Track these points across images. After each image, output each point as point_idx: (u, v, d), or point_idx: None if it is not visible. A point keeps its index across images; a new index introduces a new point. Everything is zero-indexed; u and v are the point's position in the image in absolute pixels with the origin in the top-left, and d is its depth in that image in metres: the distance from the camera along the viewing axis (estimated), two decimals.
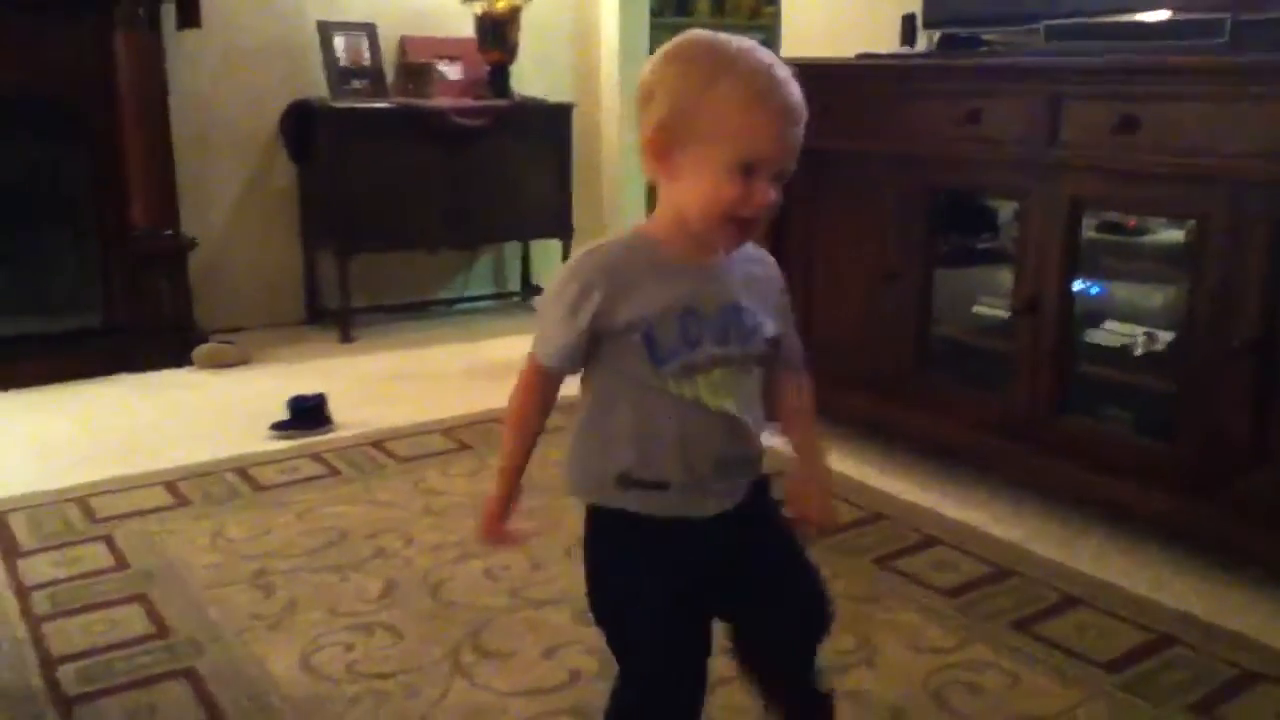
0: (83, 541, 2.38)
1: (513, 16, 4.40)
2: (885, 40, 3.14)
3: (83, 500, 2.60)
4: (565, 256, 4.62)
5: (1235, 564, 2.22)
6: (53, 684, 1.83)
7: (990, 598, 2.13)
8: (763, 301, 1.32)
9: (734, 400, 1.28)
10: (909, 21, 3.05)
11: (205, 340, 3.84)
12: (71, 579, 2.21)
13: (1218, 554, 2.25)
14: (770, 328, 1.32)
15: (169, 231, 3.77)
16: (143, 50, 3.62)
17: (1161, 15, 2.47)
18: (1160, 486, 2.27)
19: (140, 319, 3.75)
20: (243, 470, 2.80)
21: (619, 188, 5.04)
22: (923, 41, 3.09)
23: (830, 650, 1.91)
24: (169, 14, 3.75)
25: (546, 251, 4.80)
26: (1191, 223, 2.33)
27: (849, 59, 2.95)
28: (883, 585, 2.18)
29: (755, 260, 1.35)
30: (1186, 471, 2.22)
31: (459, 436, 3.06)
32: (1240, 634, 1.99)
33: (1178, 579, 2.22)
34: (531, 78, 4.66)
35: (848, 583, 2.19)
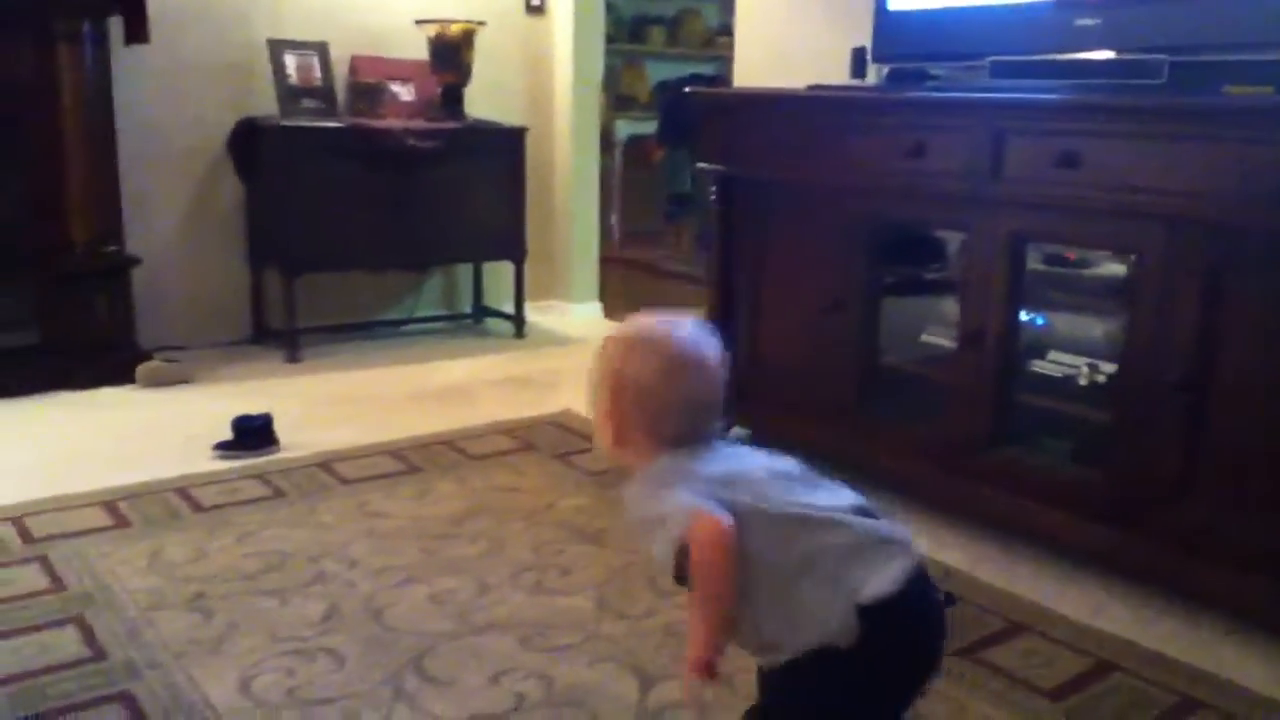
0: (17, 563, 2.33)
1: (466, 39, 4.41)
2: (836, 72, 3.18)
3: (18, 520, 2.54)
4: (518, 279, 4.61)
5: (1169, 592, 2.26)
6: None
7: None
8: None
9: None
10: (859, 54, 3.10)
11: (148, 358, 3.78)
12: (4, 601, 2.16)
13: (1153, 583, 2.29)
14: None
15: (112, 248, 3.72)
16: (87, 65, 3.57)
17: (1104, 55, 2.53)
18: (1091, 516, 2.31)
19: (80, 336, 3.68)
20: (184, 491, 2.75)
21: (570, 212, 5.05)
22: (872, 75, 3.14)
23: None
24: (116, 28, 3.71)
25: (498, 273, 4.79)
26: (1132, 257, 2.39)
27: (798, 90, 2.99)
28: None
29: None
30: (1117, 501, 2.26)
31: (407, 458, 3.03)
32: (1179, 661, 2.02)
33: (1116, 605, 2.25)
34: (484, 101, 4.66)
35: None
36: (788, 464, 1.40)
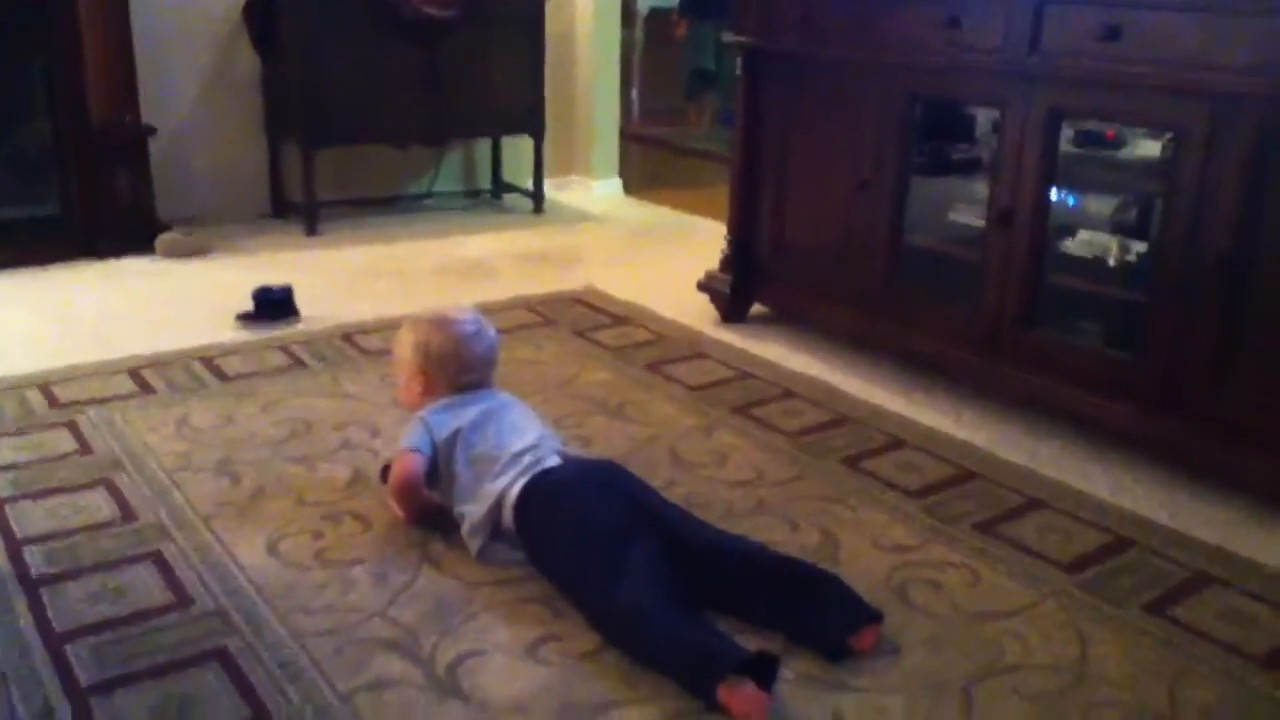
0: (45, 427, 2.36)
1: None
2: None
3: (45, 386, 2.56)
4: (537, 154, 4.55)
5: (1197, 475, 2.26)
6: (19, 565, 1.82)
7: (954, 499, 2.16)
8: None
9: None
10: None
11: (167, 230, 3.77)
12: (34, 463, 2.19)
13: (1180, 465, 2.28)
14: None
15: (127, 119, 3.67)
16: None
17: None
18: (1125, 398, 2.30)
19: (100, 207, 3.67)
20: (208, 360, 2.77)
21: (590, 86, 4.95)
22: None
23: (796, 547, 1.95)
24: None
25: (517, 148, 4.72)
26: (1169, 135, 2.33)
27: None
28: (849, 485, 2.21)
29: None
30: (1152, 384, 2.25)
31: None
32: (1198, 539, 2.03)
33: (1139, 485, 2.26)
34: None
35: (815, 481, 2.21)
36: (506, 414, 2.00)
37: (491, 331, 2.11)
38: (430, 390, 2.04)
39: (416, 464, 1.93)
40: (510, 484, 1.86)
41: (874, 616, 1.68)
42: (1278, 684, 1.62)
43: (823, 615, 1.66)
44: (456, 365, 2.03)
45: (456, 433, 1.94)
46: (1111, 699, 1.57)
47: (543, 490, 1.84)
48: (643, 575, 1.64)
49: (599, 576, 1.68)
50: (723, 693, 1.49)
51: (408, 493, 1.95)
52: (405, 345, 2.07)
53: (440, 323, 2.07)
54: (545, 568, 1.82)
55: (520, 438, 1.94)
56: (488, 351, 2.08)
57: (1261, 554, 1.99)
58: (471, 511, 1.88)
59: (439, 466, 1.94)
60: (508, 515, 1.85)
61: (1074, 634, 1.72)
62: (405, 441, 1.97)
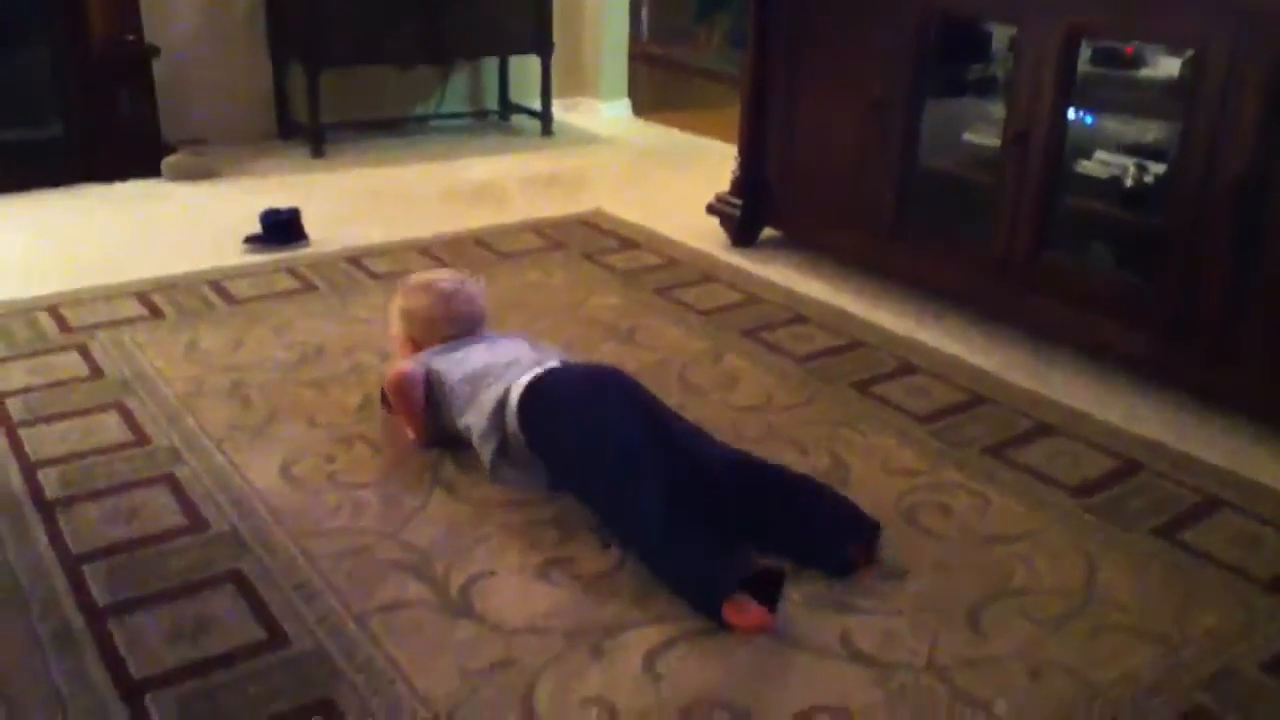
0: (56, 350, 2.36)
1: None
2: None
3: (54, 309, 2.56)
4: (544, 74, 4.48)
5: (1207, 401, 2.25)
6: (34, 488, 1.84)
7: (964, 424, 2.16)
8: None
9: None
10: None
11: (172, 152, 3.74)
12: (46, 386, 2.20)
13: (1191, 391, 2.27)
14: None
15: (130, 38, 3.62)
16: None
17: None
18: (1140, 325, 2.28)
19: (103, 129, 3.63)
20: (217, 283, 2.76)
21: (600, 6, 4.86)
22: None
23: (806, 471, 1.95)
24: None
25: (525, 69, 4.65)
26: (1190, 53, 2.28)
27: None
28: (859, 409, 2.21)
29: None
30: (1166, 309, 2.23)
31: (436, 254, 3.02)
32: (1207, 463, 2.03)
33: (1149, 410, 2.25)
34: None
35: (825, 406, 2.22)
36: (500, 341, 2.08)
37: (475, 290, 2.18)
38: (419, 348, 2.10)
39: (407, 367, 2.01)
40: (510, 385, 1.88)
41: (873, 526, 1.71)
42: None
43: (823, 526, 1.70)
44: (440, 323, 2.09)
45: (449, 360, 2.00)
46: (1118, 622, 1.59)
47: (548, 385, 1.87)
48: (659, 482, 1.66)
49: (619, 477, 1.70)
50: (728, 611, 1.52)
51: (403, 390, 1.98)
52: (393, 315, 2.17)
53: (420, 288, 2.15)
54: (554, 462, 1.84)
55: (516, 352, 2.00)
56: (468, 306, 2.14)
57: (1271, 478, 1.99)
58: (475, 421, 1.90)
59: (434, 391, 1.97)
60: (512, 417, 1.86)
61: (1081, 558, 1.73)
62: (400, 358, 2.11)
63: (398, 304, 2.15)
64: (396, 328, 2.16)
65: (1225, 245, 2.11)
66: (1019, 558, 1.73)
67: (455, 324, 2.10)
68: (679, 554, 1.61)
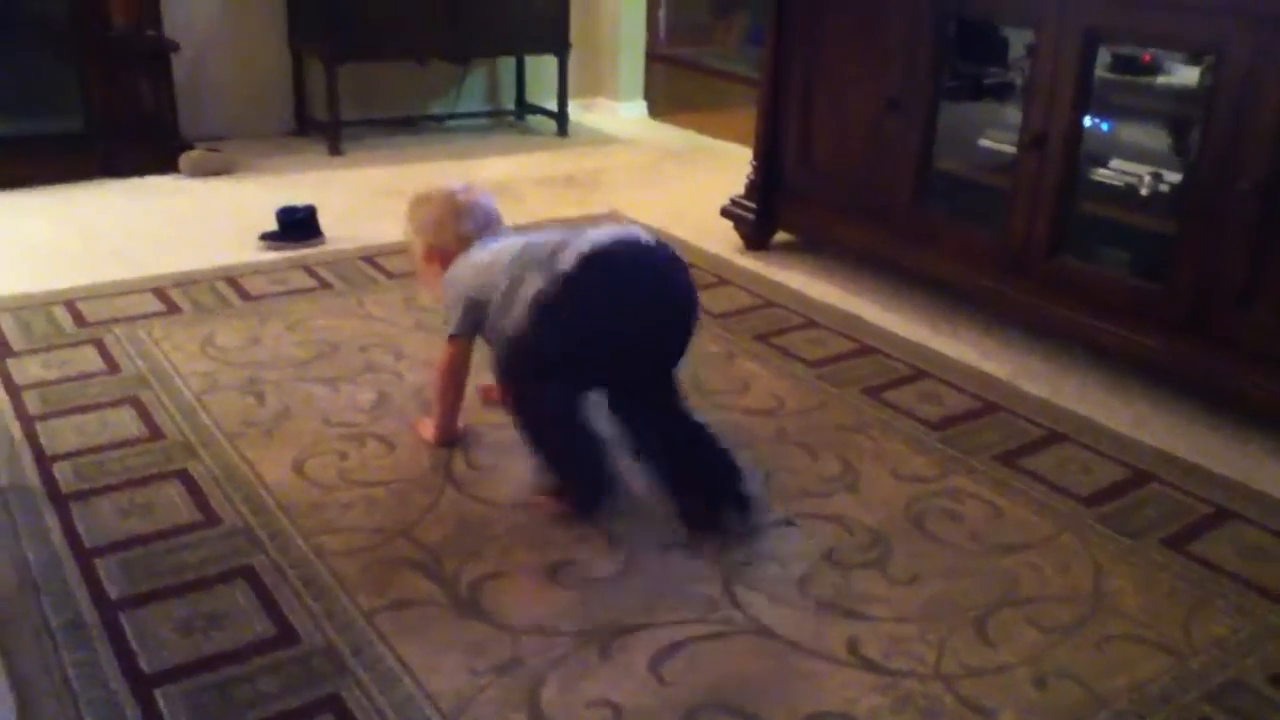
0: (72, 345, 2.38)
1: None
2: None
3: (70, 304, 2.58)
4: (561, 73, 4.49)
5: (1218, 406, 2.25)
6: (49, 480, 1.86)
7: (975, 431, 2.16)
8: None
9: None
10: None
11: (190, 148, 3.76)
12: (62, 380, 2.21)
13: (1204, 398, 2.27)
14: None
15: (150, 32, 3.64)
16: None
17: None
18: (1151, 327, 2.28)
19: (122, 123, 3.65)
20: (233, 279, 2.78)
21: (617, 4, 4.87)
22: None
23: (814, 476, 1.95)
24: None
25: (541, 68, 4.66)
26: (1209, 59, 2.27)
27: None
28: (869, 415, 2.21)
29: None
30: (1179, 314, 2.22)
31: None
32: (1218, 474, 2.03)
33: (1160, 418, 2.25)
34: None
35: (836, 411, 2.22)
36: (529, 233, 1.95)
37: (483, 193, 2.11)
38: (445, 261, 2.01)
39: (459, 346, 1.95)
40: (571, 241, 1.77)
41: (744, 502, 1.80)
42: None
43: (701, 481, 1.80)
44: (454, 221, 2.02)
45: (482, 267, 1.90)
46: (1126, 632, 1.58)
47: (601, 265, 1.74)
48: (579, 402, 1.78)
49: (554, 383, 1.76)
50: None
51: (454, 368, 1.97)
52: (408, 235, 2.10)
53: (425, 197, 2.09)
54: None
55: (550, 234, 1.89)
56: (482, 202, 2.07)
57: None
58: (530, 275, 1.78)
59: (480, 307, 1.88)
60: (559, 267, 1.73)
61: (1090, 567, 1.73)
62: (449, 328, 1.95)
63: (408, 224, 2.08)
64: (413, 244, 2.08)
65: (1240, 251, 2.11)
66: (1028, 566, 1.73)
67: (468, 218, 2.02)
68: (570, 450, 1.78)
